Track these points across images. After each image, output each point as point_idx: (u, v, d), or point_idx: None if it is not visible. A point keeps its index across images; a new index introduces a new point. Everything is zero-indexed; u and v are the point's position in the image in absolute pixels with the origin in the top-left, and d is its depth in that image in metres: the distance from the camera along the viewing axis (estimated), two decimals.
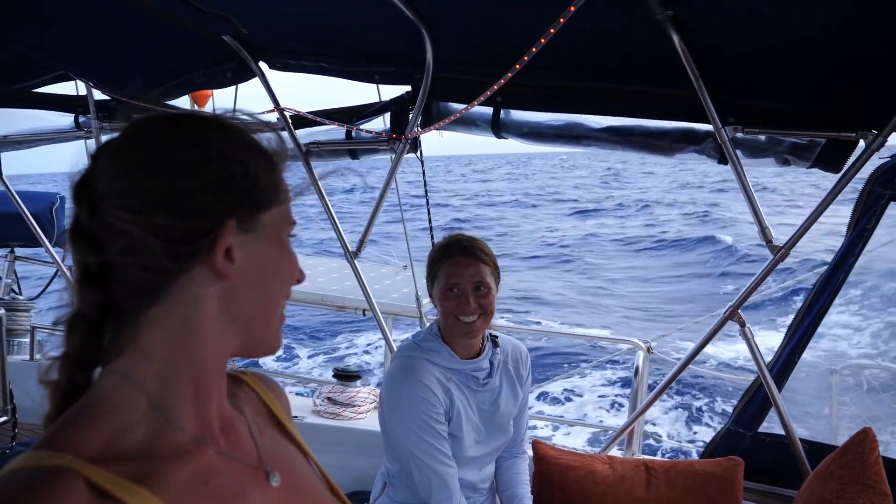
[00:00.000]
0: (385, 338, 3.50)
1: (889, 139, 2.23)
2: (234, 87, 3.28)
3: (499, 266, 2.19)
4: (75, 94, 3.98)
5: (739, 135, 2.43)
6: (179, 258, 0.78)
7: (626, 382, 10.46)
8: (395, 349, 2.28)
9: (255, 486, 0.85)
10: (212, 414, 0.85)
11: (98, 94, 3.77)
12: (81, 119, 3.97)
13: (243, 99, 3.40)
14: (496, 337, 2.30)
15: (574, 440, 7.55)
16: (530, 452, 2.51)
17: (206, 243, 0.79)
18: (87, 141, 4.04)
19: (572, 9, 1.91)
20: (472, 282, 2.10)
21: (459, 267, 2.11)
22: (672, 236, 25.56)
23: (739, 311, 2.64)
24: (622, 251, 24.36)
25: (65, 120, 4.06)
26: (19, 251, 5.57)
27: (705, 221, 28.06)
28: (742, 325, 2.65)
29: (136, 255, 0.77)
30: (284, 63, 3.10)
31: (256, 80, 3.18)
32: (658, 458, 2.86)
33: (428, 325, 2.33)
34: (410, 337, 2.30)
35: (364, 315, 4.66)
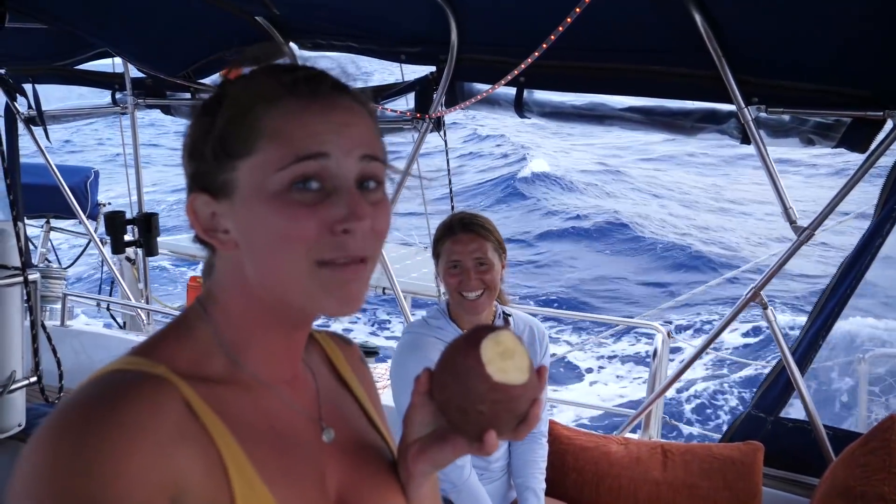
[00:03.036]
0: (405, 316, 3.54)
1: None
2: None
3: (502, 242, 2.21)
4: (112, 71, 4.09)
5: (763, 115, 2.41)
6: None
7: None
8: (407, 325, 2.33)
9: (312, 439, 0.87)
10: (279, 364, 0.86)
11: (134, 72, 3.88)
12: (118, 95, 4.08)
13: None
14: (509, 315, 2.31)
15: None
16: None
17: (191, 220, 0.81)
18: (123, 117, 4.17)
19: None
20: (473, 258, 2.12)
21: (460, 244, 2.14)
22: None
23: (762, 293, 2.62)
24: None
25: (102, 96, 4.19)
26: (54, 222, 5.75)
27: None
28: (764, 307, 2.63)
29: None
30: (314, 43, 3.16)
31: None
32: (675, 441, 2.85)
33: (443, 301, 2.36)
34: (423, 315, 2.34)
35: (384, 293, 4.71)
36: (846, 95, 2.29)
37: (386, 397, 3.46)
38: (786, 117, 2.42)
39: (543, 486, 2.32)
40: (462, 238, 2.14)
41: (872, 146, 2.34)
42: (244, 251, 0.78)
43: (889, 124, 2.29)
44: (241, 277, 0.80)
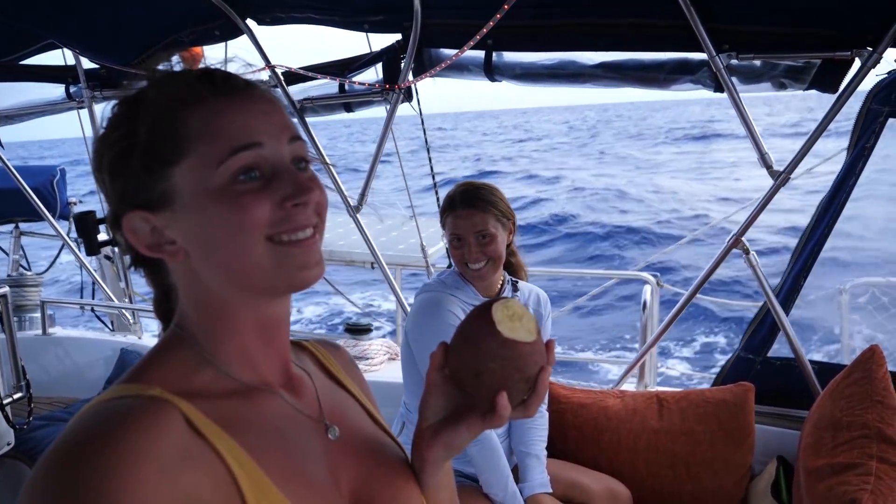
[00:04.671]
0: (393, 289, 3.52)
1: (885, 56, 2.21)
2: (223, 44, 3.22)
3: (507, 210, 2.24)
4: (63, 64, 3.93)
5: (734, 61, 2.40)
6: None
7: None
8: (422, 286, 2.34)
9: (318, 438, 0.88)
10: (269, 368, 0.86)
11: (87, 63, 3.73)
12: (72, 89, 3.92)
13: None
14: (516, 281, 2.39)
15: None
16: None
17: (124, 238, 0.80)
18: (80, 111, 4.02)
19: None
20: (474, 232, 2.18)
21: (461, 219, 2.19)
22: None
23: (743, 238, 2.64)
24: None
25: (55, 91, 4.02)
26: (24, 226, 5.58)
27: None
28: (746, 252, 2.65)
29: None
30: (273, 17, 3.05)
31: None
32: (670, 389, 2.89)
33: (434, 272, 2.37)
34: (434, 276, 2.39)
35: (372, 268, 4.67)
36: (815, 37, 2.29)
37: (384, 374, 3.49)
38: (757, 62, 2.42)
39: (545, 452, 2.36)
40: (462, 213, 2.19)
41: (842, 86, 2.35)
42: (196, 255, 0.79)
43: (857, 63, 2.30)
44: (199, 286, 0.81)
